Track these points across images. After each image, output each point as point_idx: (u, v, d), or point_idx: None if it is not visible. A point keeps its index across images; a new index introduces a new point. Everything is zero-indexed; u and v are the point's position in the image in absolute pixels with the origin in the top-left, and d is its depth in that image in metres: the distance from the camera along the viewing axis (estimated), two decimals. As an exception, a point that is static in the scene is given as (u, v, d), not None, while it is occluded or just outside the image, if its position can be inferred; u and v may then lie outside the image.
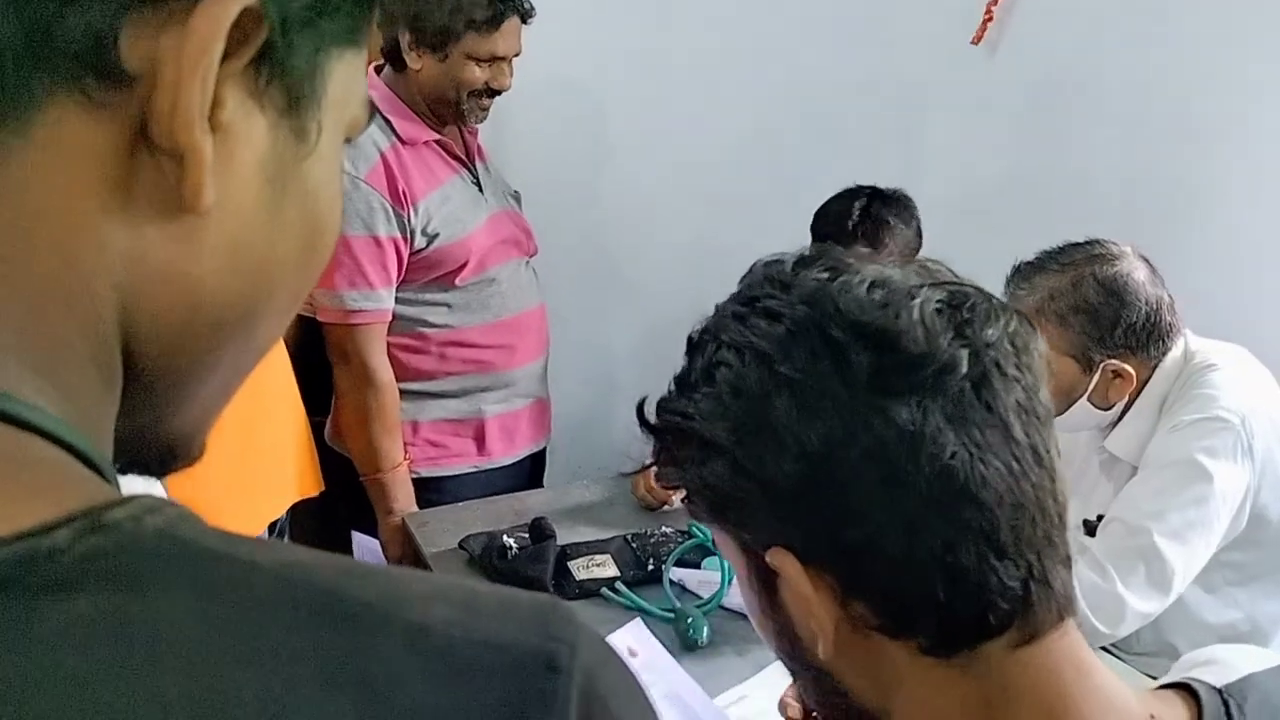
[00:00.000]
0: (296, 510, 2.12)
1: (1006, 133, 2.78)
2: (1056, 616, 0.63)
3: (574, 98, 2.81)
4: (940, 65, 2.84)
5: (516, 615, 0.34)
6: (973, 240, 2.79)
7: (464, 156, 2.14)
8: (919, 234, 2.19)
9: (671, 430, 0.67)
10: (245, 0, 0.34)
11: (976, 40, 2.65)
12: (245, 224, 0.38)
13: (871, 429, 0.59)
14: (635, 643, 1.36)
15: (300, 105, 0.39)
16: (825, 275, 0.64)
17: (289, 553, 0.34)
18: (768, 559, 0.64)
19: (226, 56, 0.35)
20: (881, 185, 2.20)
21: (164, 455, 0.44)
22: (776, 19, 2.81)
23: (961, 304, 0.62)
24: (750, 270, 0.69)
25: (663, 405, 0.68)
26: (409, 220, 2.00)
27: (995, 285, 1.72)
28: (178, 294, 0.37)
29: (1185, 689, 0.67)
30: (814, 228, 2.15)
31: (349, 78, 0.41)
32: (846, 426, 0.59)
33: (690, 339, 0.69)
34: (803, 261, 0.66)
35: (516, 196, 2.30)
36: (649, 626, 1.66)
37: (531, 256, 2.28)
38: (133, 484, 0.45)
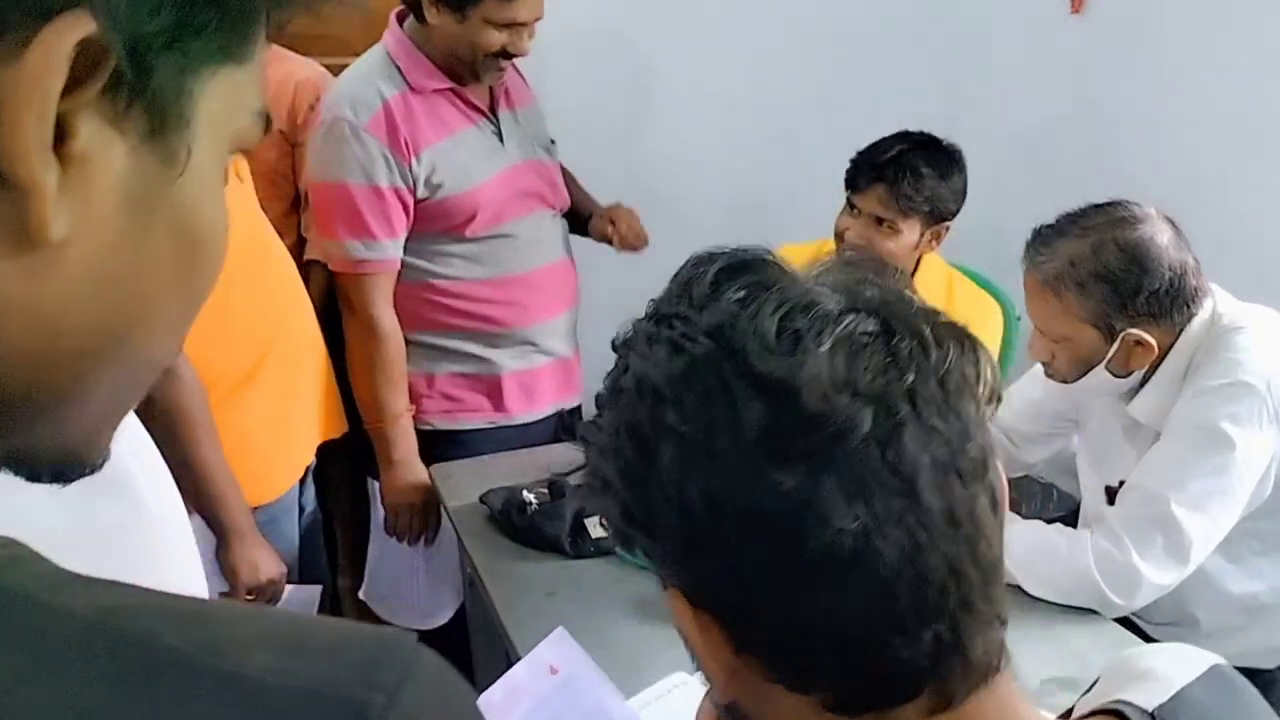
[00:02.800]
0: (328, 457, 2.16)
1: (1063, 74, 2.71)
2: (976, 682, 0.59)
3: (611, 44, 2.77)
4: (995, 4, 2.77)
5: (343, 659, 0.34)
6: (1022, 182, 2.75)
7: (485, 106, 2.11)
8: (958, 196, 2.15)
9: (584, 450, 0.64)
10: (82, 31, 0.33)
11: (1077, 8, 2.55)
12: (106, 251, 0.38)
13: (755, 493, 0.54)
14: (558, 657, 1.35)
15: (165, 128, 0.38)
16: (740, 297, 0.58)
17: (113, 596, 0.34)
18: (666, 597, 0.61)
19: (74, 86, 0.34)
20: (929, 122, 2.18)
21: (58, 469, 0.44)
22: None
23: (888, 338, 0.56)
24: (681, 268, 0.63)
25: (597, 406, 0.64)
26: (411, 169, 1.99)
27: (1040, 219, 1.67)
28: (35, 326, 0.37)
29: (1116, 715, 0.63)
30: (852, 160, 2.15)
31: (231, 93, 0.41)
32: (729, 487, 0.55)
33: (613, 343, 0.64)
34: (728, 271, 0.60)
35: (549, 146, 2.27)
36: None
37: (559, 209, 2.25)
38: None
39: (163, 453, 1.69)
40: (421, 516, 2.18)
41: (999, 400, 0.60)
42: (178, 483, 1.71)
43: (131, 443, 0.85)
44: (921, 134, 2.13)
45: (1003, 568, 0.60)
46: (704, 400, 0.56)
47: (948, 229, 2.18)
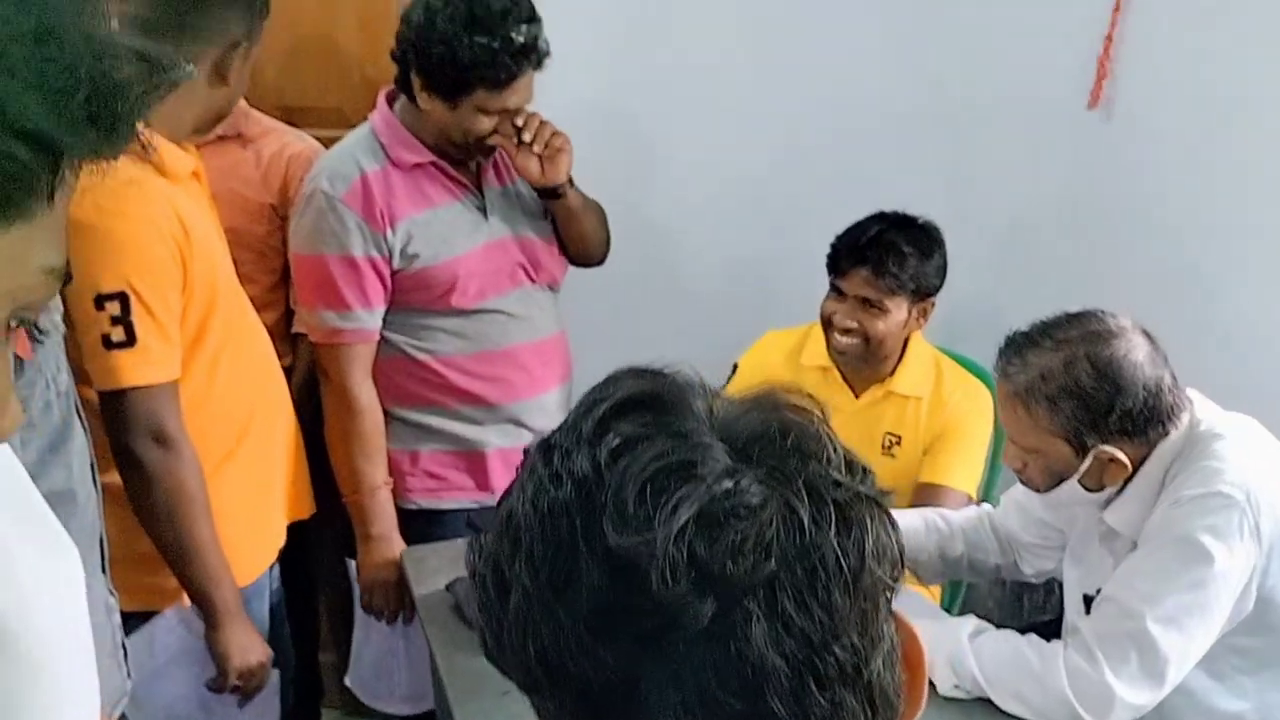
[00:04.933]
0: (312, 528, 2.12)
1: (1072, 166, 2.66)
2: None
3: (613, 120, 2.75)
4: (993, 82, 2.73)
5: None
6: (1023, 269, 2.70)
7: (472, 181, 2.09)
8: (940, 271, 2.15)
9: None
10: None
11: (1093, 104, 2.52)
12: None
13: (580, 665, 0.52)
14: None
15: None
16: (616, 446, 0.53)
17: None
18: None
19: None
20: (929, 203, 2.18)
21: None
22: (815, 31, 2.73)
23: (760, 512, 0.50)
24: (594, 387, 0.58)
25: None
26: (386, 239, 1.99)
27: (1037, 311, 1.63)
28: None
29: None
30: (832, 244, 2.15)
31: (7, 253, 0.40)
32: (560, 654, 0.52)
33: (525, 451, 0.60)
34: (622, 407, 0.55)
35: (544, 224, 2.20)
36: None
37: (549, 284, 2.21)
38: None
39: (160, 531, 1.68)
40: (397, 594, 2.13)
41: (891, 592, 0.55)
42: (171, 563, 1.69)
43: (16, 584, 0.83)
44: (897, 214, 2.13)
45: None
46: (553, 554, 0.53)
47: (933, 304, 2.16)
